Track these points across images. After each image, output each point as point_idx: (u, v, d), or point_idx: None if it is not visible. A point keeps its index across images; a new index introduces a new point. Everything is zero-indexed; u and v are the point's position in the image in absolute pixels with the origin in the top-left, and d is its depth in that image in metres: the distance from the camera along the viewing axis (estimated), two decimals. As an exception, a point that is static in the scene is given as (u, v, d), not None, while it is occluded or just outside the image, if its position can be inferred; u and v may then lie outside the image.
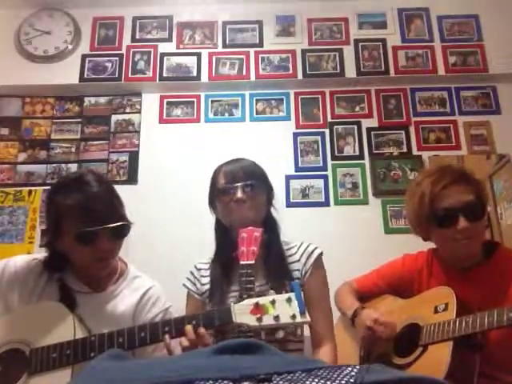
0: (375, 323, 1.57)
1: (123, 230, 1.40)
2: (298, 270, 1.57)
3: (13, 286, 1.42)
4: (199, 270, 1.66)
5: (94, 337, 1.22)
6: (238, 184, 1.55)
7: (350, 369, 0.52)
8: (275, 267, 1.54)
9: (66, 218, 1.34)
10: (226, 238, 1.61)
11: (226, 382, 0.50)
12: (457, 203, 1.49)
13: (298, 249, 1.62)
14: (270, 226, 1.61)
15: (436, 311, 1.48)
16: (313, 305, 1.45)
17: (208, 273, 1.63)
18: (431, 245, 1.68)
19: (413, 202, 1.58)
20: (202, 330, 1.19)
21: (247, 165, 1.63)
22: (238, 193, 1.54)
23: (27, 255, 1.56)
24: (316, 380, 0.51)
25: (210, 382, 0.50)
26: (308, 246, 1.62)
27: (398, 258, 1.76)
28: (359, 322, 1.63)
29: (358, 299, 1.74)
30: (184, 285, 1.66)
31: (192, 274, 1.66)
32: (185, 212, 2.56)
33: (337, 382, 0.50)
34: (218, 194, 1.60)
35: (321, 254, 1.61)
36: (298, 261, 1.59)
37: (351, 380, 0.50)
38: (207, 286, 1.60)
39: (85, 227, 1.32)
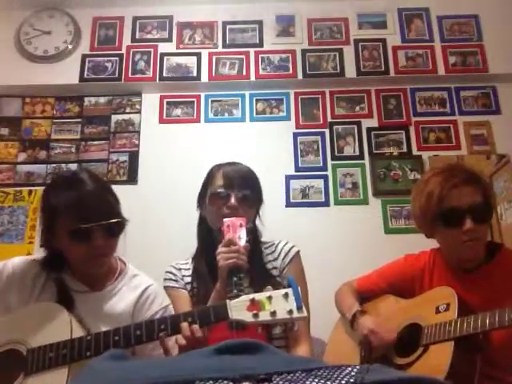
0: (371, 333, 1.56)
1: (118, 227, 1.39)
2: (276, 268, 1.58)
3: (11, 287, 1.42)
4: (180, 269, 1.64)
5: (90, 336, 1.22)
6: (235, 191, 1.55)
7: (350, 369, 0.52)
8: (259, 277, 1.50)
9: (60, 216, 1.34)
10: (210, 235, 1.60)
11: (225, 382, 0.50)
12: (464, 204, 1.48)
13: (276, 247, 1.65)
14: (253, 236, 1.59)
15: (437, 311, 1.47)
16: None
17: (189, 272, 1.62)
18: (431, 245, 1.67)
19: (420, 199, 1.57)
20: (195, 326, 1.18)
21: (245, 172, 1.63)
22: (232, 199, 1.53)
23: (26, 256, 1.56)
24: (316, 380, 0.51)
25: (210, 382, 0.50)
26: (285, 245, 1.65)
27: (400, 258, 1.75)
28: (357, 328, 1.63)
29: (358, 299, 1.73)
30: (166, 286, 1.61)
31: (172, 273, 1.63)
32: (185, 212, 2.54)
33: (337, 381, 0.50)
34: (211, 196, 1.59)
35: (298, 252, 1.63)
36: (277, 259, 1.61)
37: (351, 380, 0.50)
38: (189, 286, 1.60)
39: (79, 224, 1.32)
